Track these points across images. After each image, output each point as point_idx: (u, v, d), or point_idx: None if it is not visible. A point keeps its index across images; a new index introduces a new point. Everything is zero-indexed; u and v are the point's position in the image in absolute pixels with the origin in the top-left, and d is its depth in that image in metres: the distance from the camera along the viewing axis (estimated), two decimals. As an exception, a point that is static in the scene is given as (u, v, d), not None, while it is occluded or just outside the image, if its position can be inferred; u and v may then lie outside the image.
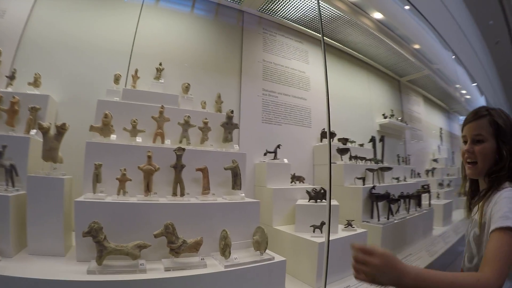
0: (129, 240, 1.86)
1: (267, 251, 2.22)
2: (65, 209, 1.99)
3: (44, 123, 2.03)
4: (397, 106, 6.36)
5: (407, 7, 4.26)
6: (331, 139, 4.17)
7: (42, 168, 2.12)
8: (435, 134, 7.78)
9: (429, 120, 7.56)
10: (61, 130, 2.07)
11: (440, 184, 6.24)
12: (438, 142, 7.76)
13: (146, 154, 2.24)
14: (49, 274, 1.58)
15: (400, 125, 5.99)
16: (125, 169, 2.16)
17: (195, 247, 2.00)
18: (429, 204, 4.78)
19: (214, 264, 2.00)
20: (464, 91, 7.28)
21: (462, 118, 9.65)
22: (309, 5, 3.87)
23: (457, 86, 6.78)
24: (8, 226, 1.83)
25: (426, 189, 4.80)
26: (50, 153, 2.06)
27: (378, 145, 4.98)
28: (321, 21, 3.74)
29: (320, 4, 3.75)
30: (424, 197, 4.71)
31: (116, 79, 2.84)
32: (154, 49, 3.25)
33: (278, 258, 2.20)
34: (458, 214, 5.86)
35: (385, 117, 5.59)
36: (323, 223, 2.74)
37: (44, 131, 2.02)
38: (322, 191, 3.13)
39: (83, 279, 1.59)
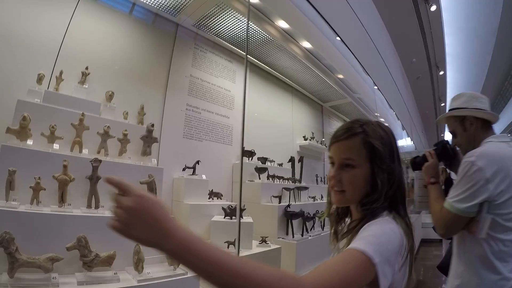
0: (42, 252, 1.88)
1: (180, 266, 2.36)
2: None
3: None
4: (319, 129, 6.94)
5: (335, 38, 4.63)
6: (251, 158, 4.44)
7: None
8: None
9: None
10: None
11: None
12: None
13: (62, 163, 2.27)
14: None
15: (320, 147, 6.51)
16: (39, 178, 2.16)
17: (108, 261, 2.08)
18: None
19: (128, 279, 2.10)
20: (382, 119, 7.98)
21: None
22: (242, 27, 4.12)
23: (376, 114, 7.45)
24: None
25: None
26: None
27: (297, 165, 5.33)
28: (247, 40, 3.98)
29: (250, 26, 4.03)
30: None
31: (39, 79, 2.78)
32: (82, 51, 3.22)
33: (191, 273, 2.34)
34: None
35: (306, 139, 6.08)
36: (231, 242, 2.96)
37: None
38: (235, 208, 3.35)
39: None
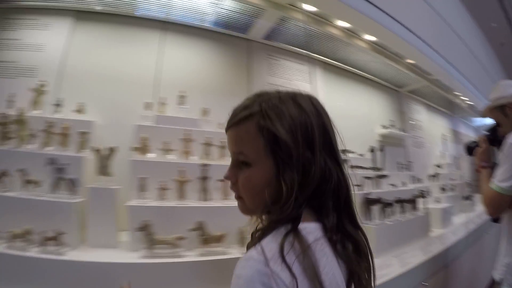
0: (170, 234, 2.68)
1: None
2: (116, 212, 2.87)
3: (98, 146, 2.98)
4: (398, 116, 7.12)
5: (398, 27, 4.68)
6: None
7: (96, 180, 2.98)
8: (438, 140, 8.40)
9: (432, 127, 8.23)
10: (112, 152, 2.94)
11: (443, 189, 6.78)
12: (441, 148, 8.35)
13: (178, 168, 3.11)
14: (113, 258, 2.44)
15: (400, 134, 6.73)
16: (165, 181, 3.05)
17: (220, 239, 2.81)
18: (425, 208, 5.42)
19: (235, 252, 2.82)
20: (465, 98, 7.93)
21: (469, 123, 10.16)
22: (306, 32, 4.69)
23: (456, 93, 7.44)
24: (73, 225, 2.68)
25: (422, 194, 5.46)
26: (103, 169, 2.95)
27: (379, 154, 5.72)
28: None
29: (314, 29, 4.59)
30: (424, 201, 5.39)
31: (147, 106, 3.71)
32: (177, 78, 4.16)
33: None
34: (460, 218, 6.53)
35: (385, 128, 6.38)
36: None
37: (98, 152, 2.93)
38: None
39: (141, 262, 2.46)
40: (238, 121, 1.00)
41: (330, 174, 0.95)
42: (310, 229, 0.89)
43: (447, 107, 8.81)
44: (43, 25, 3.85)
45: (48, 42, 3.79)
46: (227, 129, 1.06)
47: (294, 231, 0.85)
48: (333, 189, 0.96)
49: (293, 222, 0.87)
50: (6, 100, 3.34)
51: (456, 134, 9.12)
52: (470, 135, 9.81)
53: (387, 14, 4.26)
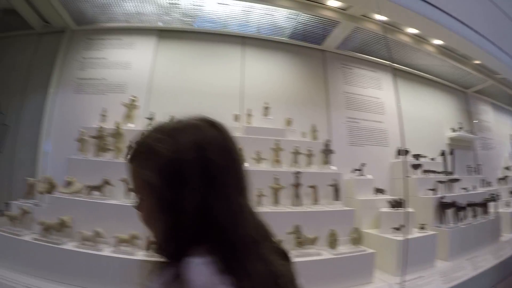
0: (268, 237, 3.01)
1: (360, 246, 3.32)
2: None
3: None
4: (466, 117, 7.07)
5: (466, 30, 4.70)
6: (405, 155, 5.11)
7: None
8: (506, 141, 8.15)
9: (499, 127, 8.05)
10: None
11: (512, 192, 6.64)
12: (510, 149, 8.09)
13: (273, 176, 3.44)
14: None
15: (469, 137, 6.68)
16: (260, 189, 3.34)
17: (313, 242, 3.11)
18: (496, 212, 5.40)
19: (325, 254, 3.11)
20: None
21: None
22: (377, 40, 4.93)
23: None
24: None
25: (492, 197, 5.47)
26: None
27: (449, 157, 5.79)
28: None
29: (386, 36, 4.77)
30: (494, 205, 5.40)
31: (236, 118, 4.04)
32: (259, 90, 4.47)
33: (369, 251, 3.27)
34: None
35: (454, 131, 6.38)
36: (402, 226, 3.69)
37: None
38: (400, 201, 4.06)
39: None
40: (129, 159, 1.02)
41: (213, 210, 0.91)
42: (201, 264, 0.84)
43: (515, 106, 8.59)
44: (127, 45, 4.31)
45: (134, 60, 4.23)
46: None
47: (179, 276, 0.81)
48: (224, 225, 0.91)
49: (178, 261, 0.84)
50: (100, 114, 3.75)
51: (525, 135, 8.79)
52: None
53: (453, 17, 4.38)
